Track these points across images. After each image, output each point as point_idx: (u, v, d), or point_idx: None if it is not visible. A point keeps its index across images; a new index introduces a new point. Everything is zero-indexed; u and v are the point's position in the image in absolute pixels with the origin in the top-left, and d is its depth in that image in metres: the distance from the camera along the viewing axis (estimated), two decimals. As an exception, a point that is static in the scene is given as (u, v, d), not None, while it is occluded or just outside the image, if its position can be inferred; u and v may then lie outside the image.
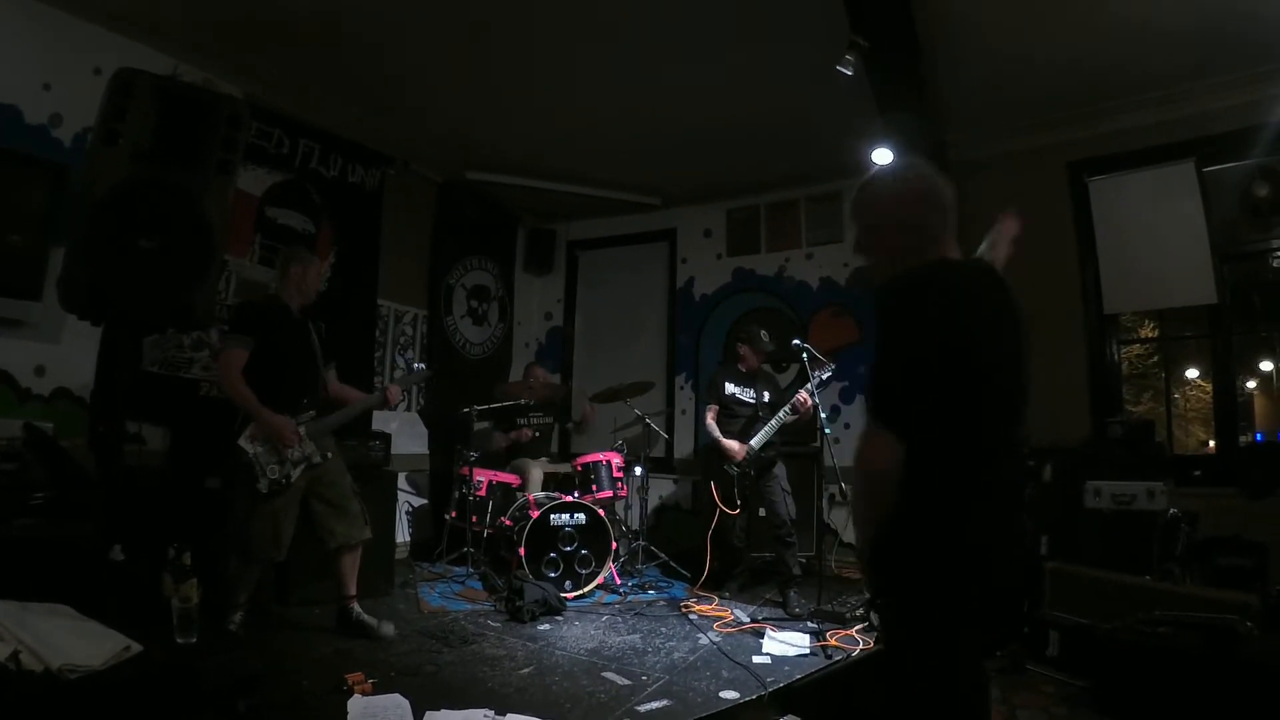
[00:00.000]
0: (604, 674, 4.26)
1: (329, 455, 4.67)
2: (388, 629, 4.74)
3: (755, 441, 6.02)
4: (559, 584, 5.86)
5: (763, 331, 6.40)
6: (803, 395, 5.85)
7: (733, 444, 6.06)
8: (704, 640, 5.00)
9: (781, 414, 5.99)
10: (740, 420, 6.25)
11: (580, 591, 5.99)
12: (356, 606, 4.80)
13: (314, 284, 4.87)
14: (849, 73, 5.06)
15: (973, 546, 2.06)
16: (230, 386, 4.40)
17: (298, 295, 4.77)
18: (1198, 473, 5.87)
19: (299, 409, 4.57)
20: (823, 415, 5.65)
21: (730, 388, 6.36)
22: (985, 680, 2.28)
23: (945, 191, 2.32)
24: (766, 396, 6.36)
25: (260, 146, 6.29)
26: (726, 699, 3.91)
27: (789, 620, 5.44)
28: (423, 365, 5.44)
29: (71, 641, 2.98)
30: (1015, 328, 2.22)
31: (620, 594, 6.16)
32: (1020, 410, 2.20)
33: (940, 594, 2.04)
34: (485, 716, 3.48)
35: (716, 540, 6.19)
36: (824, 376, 5.94)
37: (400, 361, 7.93)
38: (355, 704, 3.50)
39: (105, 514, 4.08)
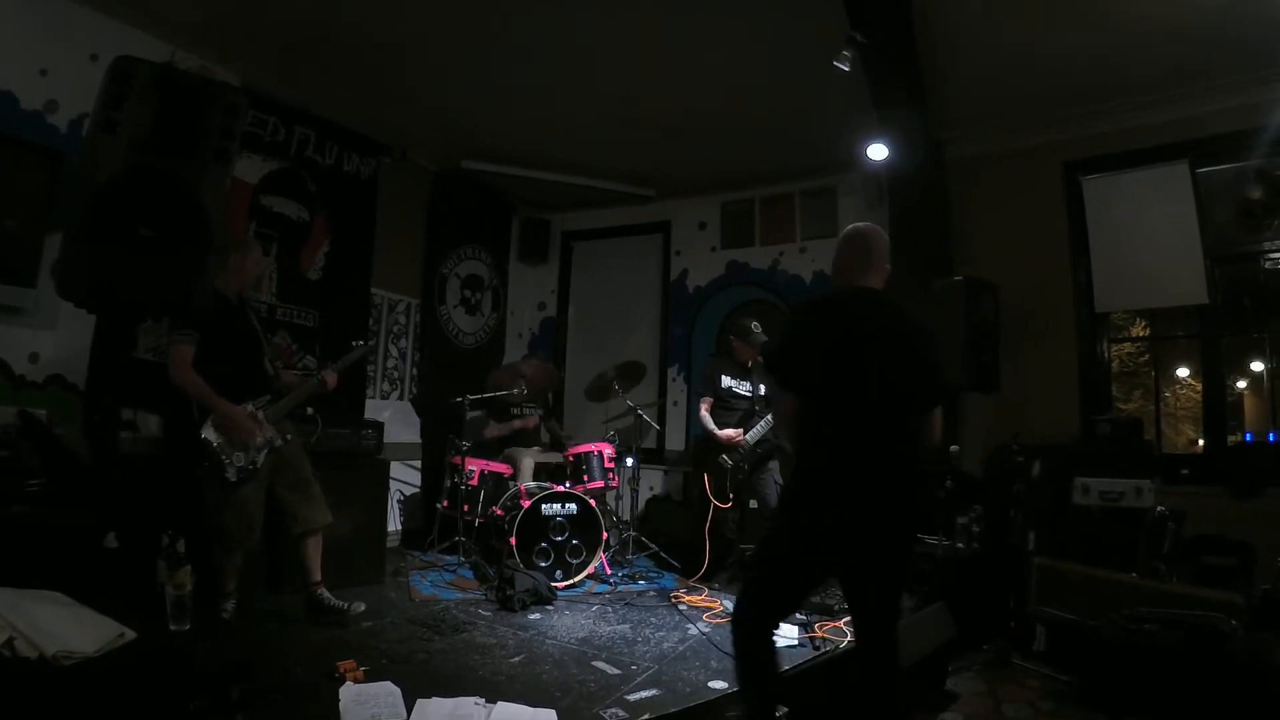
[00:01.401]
0: (594, 663, 4.29)
1: (289, 438, 4.70)
2: (358, 607, 4.76)
3: (750, 437, 6.03)
4: (550, 573, 5.89)
5: (754, 324, 6.37)
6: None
7: (728, 431, 6.07)
8: (693, 630, 5.03)
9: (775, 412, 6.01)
10: (736, 414, 6.25)
11: (571, 581, 6.02)
12: (324, 591, 4.81)
13: (254, 271, 4.88)
14: (846, 68, 5.07)
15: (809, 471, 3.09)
16: (184, 381, 4.35)
17: (235, 283, 4.73)
18: (1185, 471, 5.89)
19: (252, 394, 4.58)
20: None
21: (727, 381, 6.36)
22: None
23: (864, 239, 3.35)
24: (763, 389, 6.37)
25: (256, 134, 6.29)
26: (715, 689, 3.94)
27: (778, 612, 5.46)
28: (360, 342, 5.42)
29: (66, 628, 3.00)
30: (878, 333, 3.10)
31: (610, 584, 6.18)
32: (882, 390, 3.02)
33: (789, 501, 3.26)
34: (476, 704, 3.49)
35: (710, 533, 6.21)
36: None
37: (394, 350, 7.95)
38: (347, 691, 3.52)
39: (99, 501, 4.10)
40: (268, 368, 4.84)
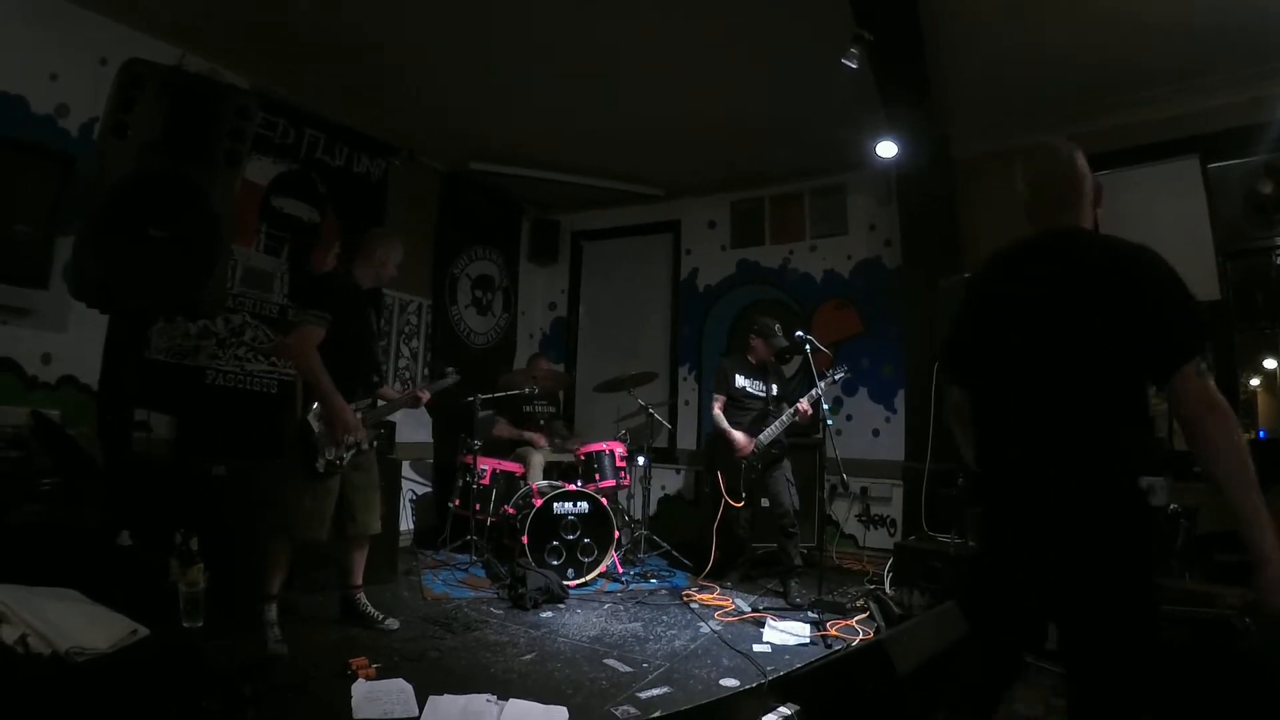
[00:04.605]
0: (605, 661, 4.29)
1: (374, 443, 4.71)
2: (392, 624, 4.71)
3: (763, 437, 6.01)
4: (561, 572, 5.89)
5: (776, 325, 6.32)
6: (803, 405, 5.84)
7: (740, 436, 6.03)
8: (705, 629, 5.03)
9: (787, 414, 5.99)
10: (750, 414, 6.20)
11: (582, 580, 6.03)
12: (362, 596, 4.80)
13: (391, 272, 4.82)
14: (854, 66, 5.06)
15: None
16: (306, 367, 4.31)
17: (372, 279, 4.74)
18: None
19: (361, 394, 4.58)
20: (825, 407, 5.64)
21: (741, 380, 6.30)
22: None
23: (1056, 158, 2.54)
24: (775, 389, 6.34)
25: (266, 136, 6.32)
26: (726, 686, 3.94)
27: (789, 610, 5.46)
28: (452, 370, 5.36)
29: (79, 625, 3.02)
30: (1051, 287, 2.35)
31: (622, 582, 6.19)
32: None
33: None
34: (488, 701, 3.51)
35: (721, 531, 6.19)
36: (837, 377, 6.01)
37: (405, 350, 7.97)
38: (359, 688, 3.53)
39: (112, 500, 4.11)
40: (379, 367, 4.82)
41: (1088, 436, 2.16)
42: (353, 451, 4.49)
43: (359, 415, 4.50)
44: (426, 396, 5.02)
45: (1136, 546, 2.11)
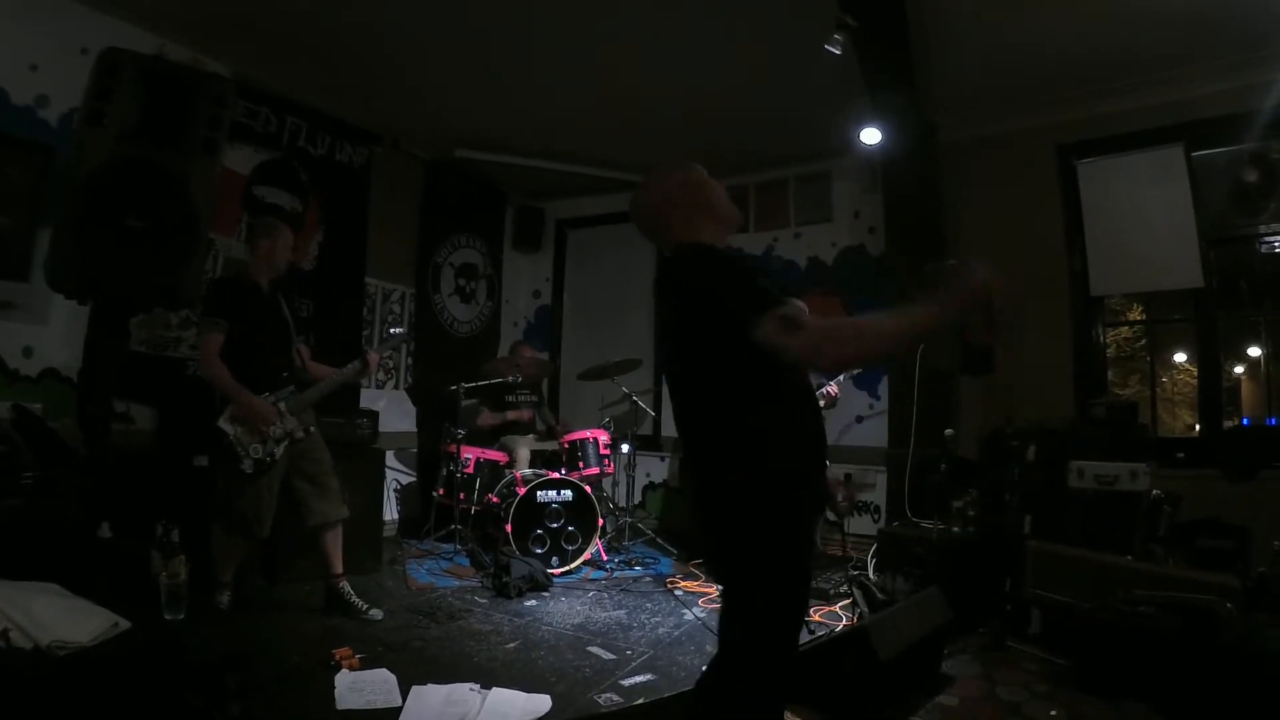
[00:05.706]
0: (589, 649, 4.30)
1: (310, 430, 4.63)
2: (375, 614, 4.68)
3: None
4: (546, 560, 5.89)
5: None
6: (833, 389, 5.78)
7: None
8: (689, 615, 5.04)
9: None
10: None
11: (567, 568, 6.03)
12: (345, 585, 4.76)
13: (284, 255, 4.74)
14: (838, 52, 5.04)
15: None
16: (208, 371, 4.34)
17: (267, 269, 4.65)
18: (1181, 455, 5.89)
19: (277, 385, 4.52)
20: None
21: None
22: None
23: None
24: None
25: (247, 125, 6.27)
26: (710, 674, 3.94)
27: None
28: (400, 329, 5.22)
29: (60, 619, 3.01)
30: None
31: (606, 570, 6.20)
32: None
33: None
34: (471, 690, 3.51)
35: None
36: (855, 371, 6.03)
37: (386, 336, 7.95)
38: (343, 679, 3.53)
39: (93, 492, 4.10)
40: (295, 358, 4.78)
41: (709, 438, 2.32)
42: (284, 444, 4.47)
43: (281, 405, 4.48)
44: (376, 360, 4.92)
45: (755, 532, 2.19)
